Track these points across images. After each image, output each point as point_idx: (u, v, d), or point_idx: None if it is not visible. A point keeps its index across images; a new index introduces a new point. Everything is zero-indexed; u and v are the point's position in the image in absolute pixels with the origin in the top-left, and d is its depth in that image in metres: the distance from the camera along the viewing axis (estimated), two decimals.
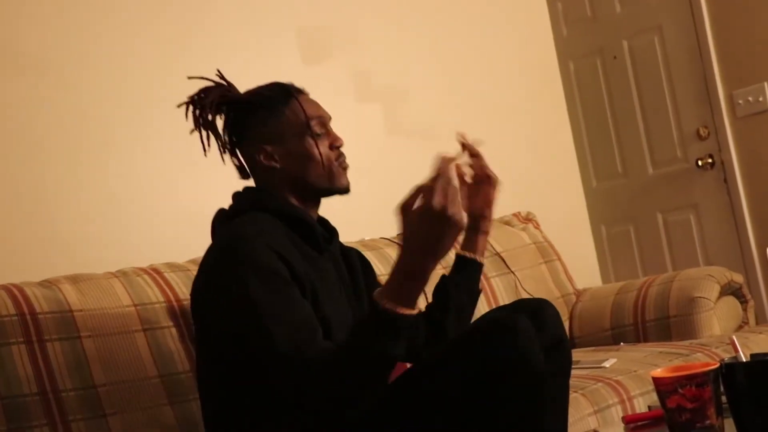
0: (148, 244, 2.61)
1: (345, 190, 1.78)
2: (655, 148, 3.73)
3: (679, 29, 3.57)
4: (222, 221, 1.78)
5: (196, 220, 2.75)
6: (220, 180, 2.83)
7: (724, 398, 1.32)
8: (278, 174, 1.74)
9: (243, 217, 1.70)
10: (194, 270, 2.32)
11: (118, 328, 2.08)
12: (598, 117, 3.90)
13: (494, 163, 3.62)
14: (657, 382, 1.32)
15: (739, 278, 2.81)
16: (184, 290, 2.24)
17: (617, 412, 2.08)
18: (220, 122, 1.82)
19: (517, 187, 3.61)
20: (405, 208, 1.41)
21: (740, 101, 3.42)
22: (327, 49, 3.19)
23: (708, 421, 1.28)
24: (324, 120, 1.77)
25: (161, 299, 2.19)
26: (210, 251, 1.69)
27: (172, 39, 2.81)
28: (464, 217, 1.39)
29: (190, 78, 1.85)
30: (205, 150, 1.81)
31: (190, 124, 2.76)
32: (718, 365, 1.31)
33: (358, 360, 1.43)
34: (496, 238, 3.04)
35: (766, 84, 3.35)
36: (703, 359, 2.30)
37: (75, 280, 2.13)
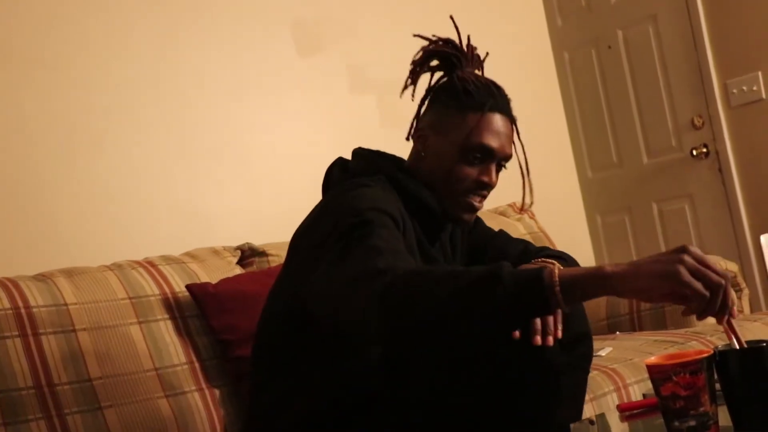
0: (143, 237, 2.61)
1: (459, 222, 1.69)
2: (650, 138, 3.73)
3: (674, 19, 3.57)
4: (341, 176, 1.67)
5: (191, 214, 2.76)
6: (215, 174, 2.84)
7: (718, 386, 1.33)
8: (422, 162, 1.67)
9: (366, 178, 1.60)
10: (189, 263, 2.33)
11: (114, 321, 2.08)
12: (593, 107, 3.90)
13: None
14: (651, 369, 1.33)
15: (733, 267, 2.82)
16: (179, 283, 2.24)
17: (613, 400, 2.09)
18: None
19: (512, 177, 3.61)
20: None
21: (734, 91, 3.43)
22: (322, 41, 3.19)
23: (702, 409, 1.29)
24: (492, 152, 1.65)
25: (156, 292, 2.19)
26: (324, 201, 1.59)
27: (166, 31, 2.80)
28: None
29: (451, 18, 1.81)
30: (405, 88, 1.73)
31: (186, 117, 2.78)
32: (711, 353, 1.31)
33: (458, 288, 1.23)
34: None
35: (760, 73, 3.35)
36: (697, 347, 2.31)
37: (70, 273, 2.13)
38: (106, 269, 2.19)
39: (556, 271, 1.23)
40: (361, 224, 1.40)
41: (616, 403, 2.07)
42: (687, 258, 1.19)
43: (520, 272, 1.25)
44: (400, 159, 1.72)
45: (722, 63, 3.45)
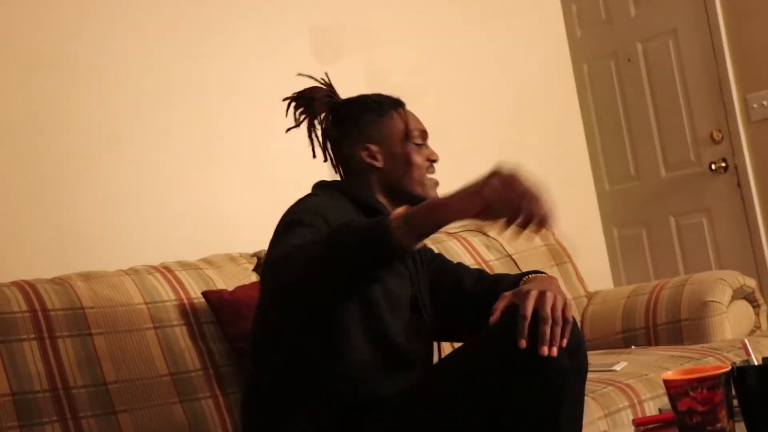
0: (159, 242, 2.62)
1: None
2: (669, 152, 3.72)
3: (694, 32, 3.56)
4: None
5: (208, 219, 2.77)
6: (232, 179, 2.85)
7: (735, 402, 1.32)
8: (377, 172, 1.82)
9: (318, 190, 1.81)
10: (206, 269, 2.34)
11: (129, 325, 2.08)
12: (612, 119, 3.89)
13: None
14: (668, 384, 1.32)
15: (751, 282, 2.80)
16: (195, 288, 2.25)
17: (627, 416, 2.07)
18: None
19: None
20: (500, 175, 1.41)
21: (754, 105, 3.41)
22: (341, 48, 3.19)
23: (719, 425, 1.28)
24: (424, 134, 1.86)
25: (172, 297, 2.19)
26: None
27: (185, 37, 2.82)
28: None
29: (299, 75, 1.93)
30: (314, 150, 1.90)
31: (205, 123, 2.79)
32: (729, 368, 1.30)
33: (330, 244, 1.41)
34: (508, 240, 3.04)
35: None
36: (714, 363, 2.29)
37: (87, 277, 2.14)
38: (122, 274, 2.20)
39: (400, 211, 1.39)
40: (289, 224, 1.59)
41: (631, 419, 2.05)
42: (496, 175, 1.40)
43: (371, 219, 1.45)
44: (347, 181, 1.86)
45: (742, 77, 3.44)
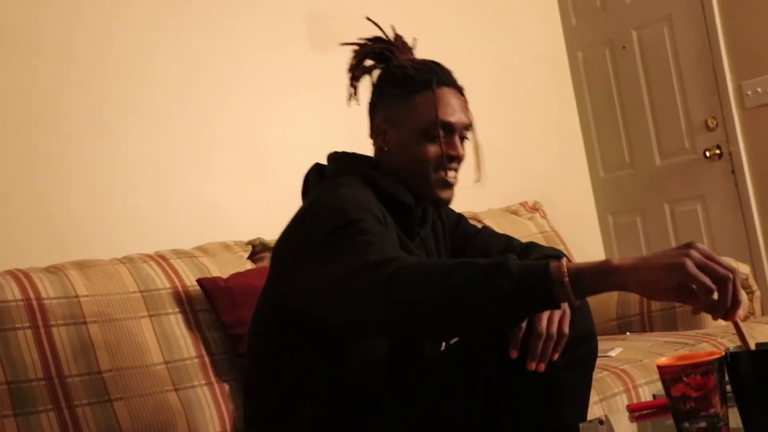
0: (154, 230, 2.61)
1: (438, 201, 1.68)
2: (663, 139, 3.72)
3: (689, 19, 3.56)
4: (317, 181, 1.68)
5: (203, 207, 2.76)
6: (227, 168, 2.84)
7: (728, 387, 1.32)
8: (386, 156, 1.68)
9: (342, 179, 1.61)
10: (201, 257, 2.33)
11: (124, 313, 2.08)
12: (607, 107, 3.89)
13: (502, 153, 3.65)
14: (662, 370, 1.32)
15: (745, 269, 2.81)
16: (190, 276, 2.25)
17: (622, 401, 2.08)
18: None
19: (524, 176, 3.61)
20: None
21: (749, 92, 3.41)
22: (336, 36, 3.18)
23: (712, 410, 1.28)
24: (451, 126, 1.65)
25: (167, 285, 2.19)
26: (305, 205, 1.60)
27: (181, 25, 2.81)
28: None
29: (368, 19, 1.78)
30: (351, 97, 1.73)
31: (200, 111, 2.78)
32: (723, 354, 1.30)
33: (458, 277, 1.24)
34: (503, 227, 3.04)
35: None
36: (708, 349, 2.30)
37: (81, 266, 2.14)
38: (117, 262, 2.20)
39: (564, 263, 1.22)
40: (348, 223, 1.40)
41: (626, 403, 2.06)
42: (694, 252, 1.19)
43: (528, 264, 1.24)
44: (373, 158, 1.71)
45: (737, 64, 3.44)
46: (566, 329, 1.46)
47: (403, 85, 1.67)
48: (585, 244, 3.72)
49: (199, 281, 2.23)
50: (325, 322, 1.44)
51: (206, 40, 2.86)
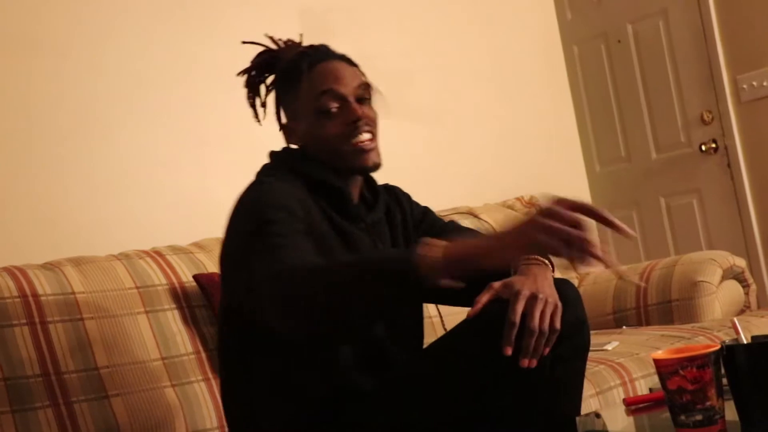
0: (150, 227, 2.61)
1: (363, 170, 1.66)
2: (659, 133, 3.72)
3: (684, 13, 3.56)
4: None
5: (199, 204, 2.76)
6: (223, 163, 2.84)
7: (725, 380, 1.32)
8: (304, 150, 1.68)
9: (269, 175, 1.64)
10: (197, 253, 2.33)
11: (121, 310, 2.08)
12: (602, 101, 3.89)
13: (498, 147, 3.64)
14: (658, 363, 1.32)
15: (741, 262, 2.81)
16: (186, 273, 2.24)
17: (619, 394, 2.09)
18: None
19: (520, 171, 3.61)
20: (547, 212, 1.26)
21: (744, 86, 3.41)
22: (329, 31, 3.18)
23: (708, 403, 1.28)
24: (339, 93, 1.62)
25: (163, 281, 2.19)
26: (234, 203, 1.62)
27: (176, 22, 2.80)
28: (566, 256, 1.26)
29: (244, 43, 1.79)
30: (257, 118, 1.78)
31: (195, 106, 2.78)
32: (719, 347, 1.31)
33: (346, 276, 1.30)
34: (499, 222, 3.04)
35: None
36: (704, 342, 2.30)
37: (77, 262, 2.14)
38: (113, 258, 2.20)
39: (434, 246, 1.26)
40: (263, 224, 1.44)
41: (623, 397, 2.07)
42: (542, 220, 1.24)
43: (387, 257, 1.34)
44: (302, 151, 1.70)
45: (733, 58, 3.44)
46: (558, 324, 1.46)
47: (288, 80, 1.67)
48: None
49: (195, 277, 2.23)
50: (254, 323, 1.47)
51: (203, 37, 2.85)
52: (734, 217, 3.50)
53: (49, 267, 2.09)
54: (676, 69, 3.61)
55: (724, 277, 2.73)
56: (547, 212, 1.25)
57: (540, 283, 1.49)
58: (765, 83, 3.36)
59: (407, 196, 1.84)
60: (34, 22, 2.52)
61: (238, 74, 1.79)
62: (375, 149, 1.65)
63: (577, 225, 1.27)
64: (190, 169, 2.77)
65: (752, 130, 3.42)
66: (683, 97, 3.61)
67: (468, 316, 1.48)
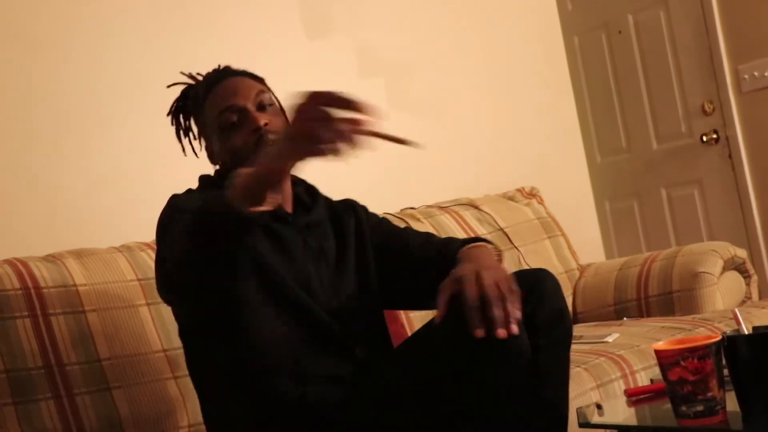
0: (151, 219, 2.60)
1: None
2: (660, 124, 3.72)
3: (685, 3, 3.55)
4: None
5: None
6: None
7: (726, 371, 1.33)
8: (222, 165, 1.78)
9: (183, 193, 1.78)
10: None
11: (122, 302, 2.09)
12: (603, 92, 3.89)
13: (498, 138, 3.64)
14: (659, 354, 1.33)
15: (742, 253, 2.81)
16: None
17: (619, 386, 2.08)
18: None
19: (520, 161, 3.61)
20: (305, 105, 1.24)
21: (746, 76, 3.41)
22: (330, 23, 3.18)
23: (710, 394, 1.29)
24: (237, 105, 1.70)
25: None
26: None
27: (177, 16, 2.80)
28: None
29: (169, 86, 1.91)
30: (184, 151, 1.92)
31: None
32: (720, 338, 1.31)
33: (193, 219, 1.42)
34: (500, 213, 3.04)
35: None
36: (705, 334, 2.30)
37: (79, 254, 2.14)
38: (115, 251, 2.20)
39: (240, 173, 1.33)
40: (174, 213, 1.59)
41: (623, 389, 2.07)
42: (301, 118, 1.21)
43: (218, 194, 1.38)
44: (223, 168, 1.80)
45: (734, 48, 3.43)
46: (513, 285, 1.45)
47: (194, 107, 1.81)
48: (582, 229, 3.73)
49: None
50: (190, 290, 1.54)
51: (203, 32, 2.85)
52: (735, 208, 3.50)
53: (51, 259, 2.09)
54: (677, 59, 3.61)
55: (725, 268, 2.73)
56: (304, 108, 1.22)
57: (481, 261, 1.51)
58: (766, 73, 3.35)
59: (364, 208, 1.91)
60: (35, 19, 2.52)
61: (167, 115, 1.92)
62: None
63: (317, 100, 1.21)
64: (191, 161, 2.76)
65: (753, 121, 3.42)
66: (684, 88, 3.60)
67: (436, 320, 1.49)
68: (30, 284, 1.98)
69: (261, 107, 1.72)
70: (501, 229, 2.98)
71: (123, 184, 2.61)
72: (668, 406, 1.35)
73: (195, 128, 1.87)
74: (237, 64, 1.88)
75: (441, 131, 3.44)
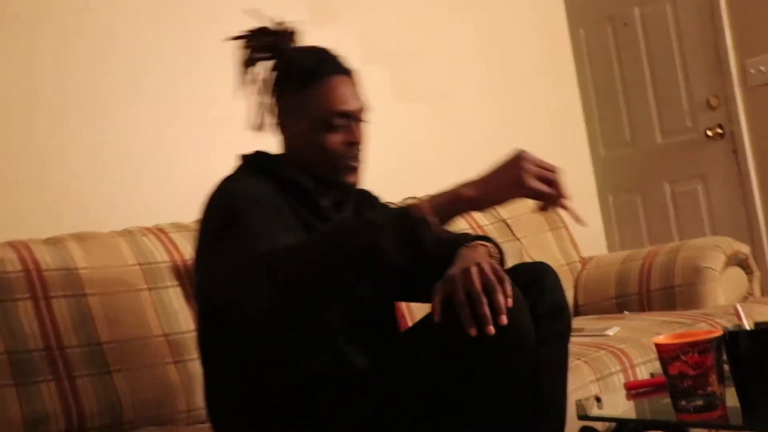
0: (153, 204, 2.61)
1: (346, 185, 1.73)
2: (664, 117, 3.71)
3: None
4: None
5: (203, 181, 2.73)
6: (227, 141, 2.83)
7: (726, 366, 1.32)
8: (291, 147, 1.74)
9: (235, 174, 1.72)
10: None
11: (123, 286, 2.09)
12: (608, 85, 3.88)
13: (503, 131, 3.64)
14: (660, 348, 1.33)
15: (745, 249, 2.81)
16: (189, 250, 2.24)
17: (619, 380, 2.09)
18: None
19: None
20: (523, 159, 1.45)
21: (752, 71, 3.40)
22: (335, 10, 3.17)
23: (710, 389, 1.29)
24: (347, 113, 1.69)
25: (166, 259, 2.19)
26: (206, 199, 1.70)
27: (180, 1, 2.79)
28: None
29: (245, 11, 1.80)
30: (239, 90, 1.80)
31: (199, 84, 2.77)
32: (721, 333, 1.31)
33: (341, 240, 1.40)
34: (503, 206, 3.04)
35: None
36: (706, 329, 2.30)
37: (80, 238, 2.14)
38: (116, 235, 2.20)
39: (421, 203, 1.39)
40: (235, 214, 1.52)
41: (623, 382, 2.07)
42: (527, 164, 1.44)
43: (390, 211, 1.43)
44: (271, 154, 1.78)
45: (740, 42, 3.42)
46: (502, 274, 1.45)
47: (296, 78, 1.71)
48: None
49: None
50: (229, 312, 1.54)
51: (207, 16, 2.84)
52: (739, 204, 3.50)
53: (53, 242, 2.09)
54: (682, 53, 3.60)
55: (727, 264, 2.73)
56: (530, 158, 1.44)
57: (468, 259, 1.52)
58: None
59: (377, 199, 1.91)
60: (39, 1, 2.51)
61: (233, 38, 1.80)
62: (360, 169, 1.74)
63: (554, 170, 1.47)
64: (194, 146, 2.76)
65: (759, 116, 3.41)
66: (690, 82, 3.59)
67: (435, 319, 1.49)
68: (31, 267, 1.98)
69: (359, 121, 1.73)
70: (503, 220, 2.98)
71: (125, 168, 2.61)
72: (668, 400, 1.35)
73: (269, 91, 1.78)
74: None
75: (444, 122, 3.43)
